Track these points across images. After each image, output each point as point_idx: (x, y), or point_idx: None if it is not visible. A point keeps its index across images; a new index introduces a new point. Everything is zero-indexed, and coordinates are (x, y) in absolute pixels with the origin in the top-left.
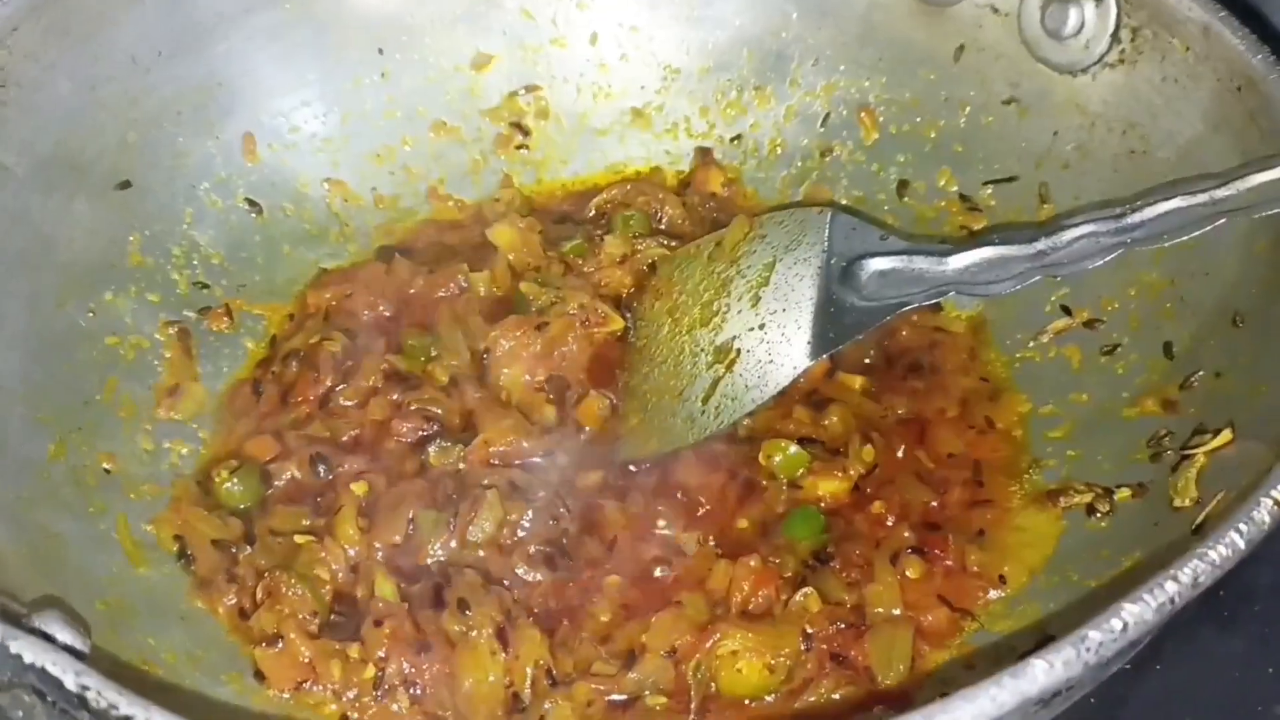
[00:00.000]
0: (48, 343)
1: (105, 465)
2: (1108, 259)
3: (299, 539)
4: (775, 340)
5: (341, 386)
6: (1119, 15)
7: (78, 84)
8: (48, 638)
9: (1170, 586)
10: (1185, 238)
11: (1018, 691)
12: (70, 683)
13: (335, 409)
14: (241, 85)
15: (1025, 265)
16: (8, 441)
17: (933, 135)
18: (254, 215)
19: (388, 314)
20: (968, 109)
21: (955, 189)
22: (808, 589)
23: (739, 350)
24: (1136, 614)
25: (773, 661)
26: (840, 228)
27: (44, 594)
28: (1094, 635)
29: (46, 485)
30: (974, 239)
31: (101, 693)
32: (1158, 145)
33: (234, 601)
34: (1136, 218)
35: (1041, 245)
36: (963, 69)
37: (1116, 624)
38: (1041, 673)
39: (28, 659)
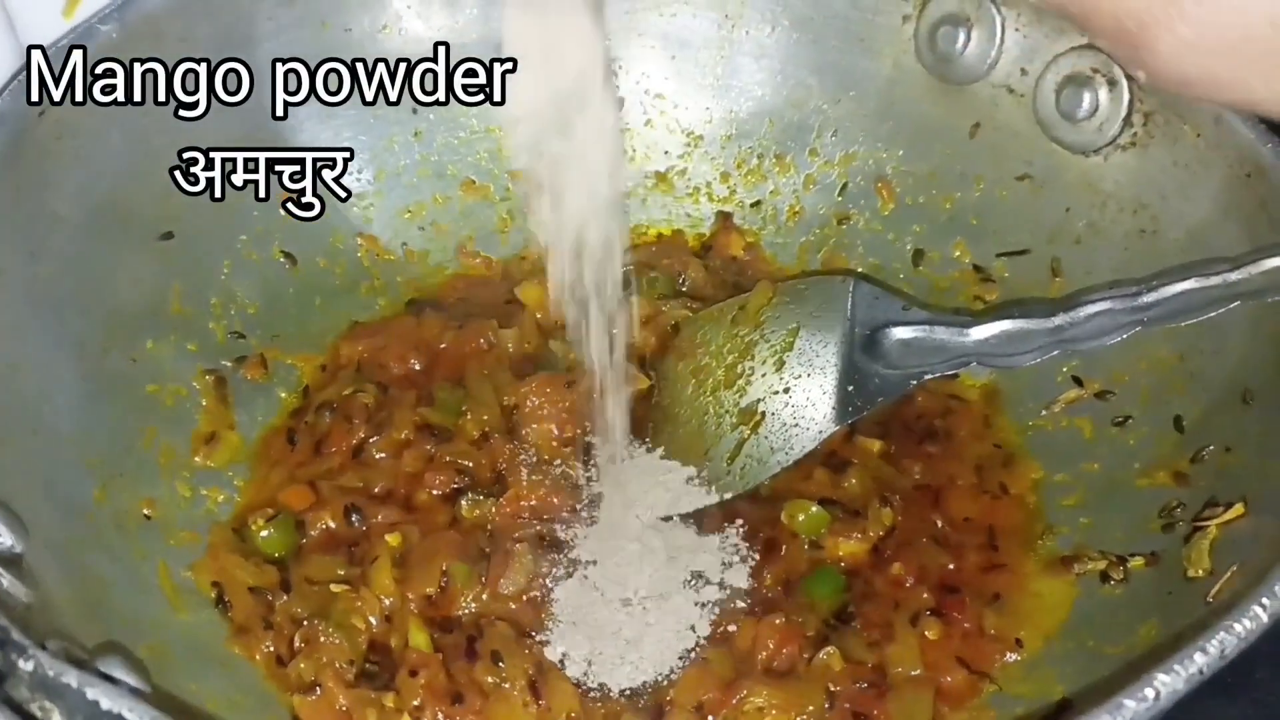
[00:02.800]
0: (93, 389)
1: (145, 511)
2: (1123, 336)
3: (334, 588)
4: (800, 404)
5: (374, 438)
6: (1132, 100)
7: (128, 136)
8: (115, 682)
9: (1199, 658)
10: (1196, 319)
11: None
12: None
13: (368, 460)
14: (281, 141)
15: (1044, 340)
16: (56, 485)
17: (948, 207)
18: (289, 267)
19: (418, 367)
20: (982, 183)
21: (969, 260)
22: (830, 648)
23: (764, 413)
24: (1168, 684)
25: (797, 718)
26: (863, 296)
27: (103, 639)
28: (1129, 704)
29: (92, 530)
30: (994, 312)
31: None
32: (1168, 226)
33: (271, 648)
34: (1152, 297)
35: (1059, 320)
36: (978, 145)
37: (1149, 693)
38: None
39: (105, 705)
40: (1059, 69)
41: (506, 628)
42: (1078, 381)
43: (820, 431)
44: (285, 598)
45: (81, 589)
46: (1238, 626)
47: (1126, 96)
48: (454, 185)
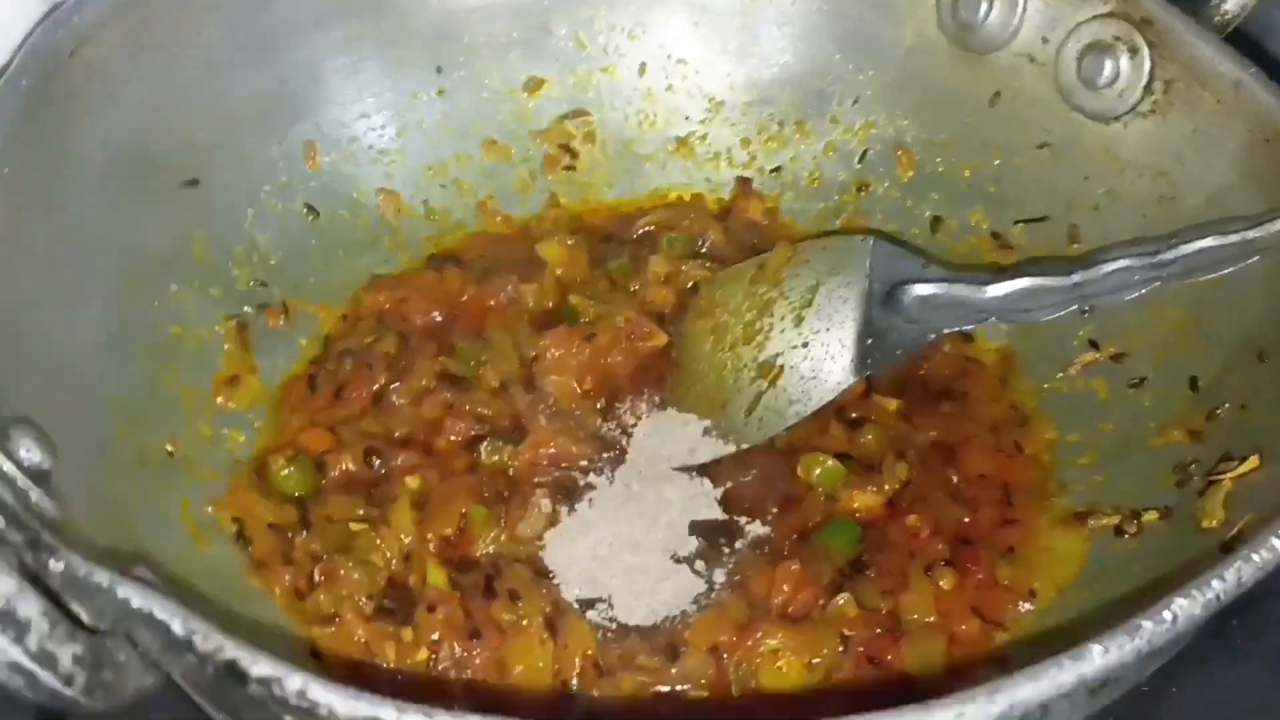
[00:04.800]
0: (117, 329)
1: (168, 448)
2: (1141, 292)
3: (354, 526)
4: (819, 358)
5: (395, 385)
6: (1152, 68)
7: (156, 84)
8: (150, 585)
9: (1216, 584)
10: (1214, 275)
11: (1076, 672)
12: (178, 627)
13: (388, 406)
14: (307, 95)
15: (1061, 296)
16: (80, 418)
17: (967, 175)
18: (312, 219)
19: (439, 319)
20: (1002, 151)
21: (987, 226)
22: (845, 595)
23: (782, 366)
24: (1185, 607)
25: (812, 661)
26: (883, 254)
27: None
28: (1147, 624)
29: (116, 463)
30: (1012, 269)
31: (208, 636)
32: (1186, 192)
33: (290, 582)
34: (1170, 254)
35: (1078, 278)
36: (998, 114)
37: (1167, 615)
38: (1098, 655)
39: (135, 604)
40: (1080, 37)
41: (524, 569)
42: (1094, 345)
43: (839, 383)
44: (304, 535)
45: (106, 518)
46: (1255, 556)
47: (1148, 64)
48: (476, 144)
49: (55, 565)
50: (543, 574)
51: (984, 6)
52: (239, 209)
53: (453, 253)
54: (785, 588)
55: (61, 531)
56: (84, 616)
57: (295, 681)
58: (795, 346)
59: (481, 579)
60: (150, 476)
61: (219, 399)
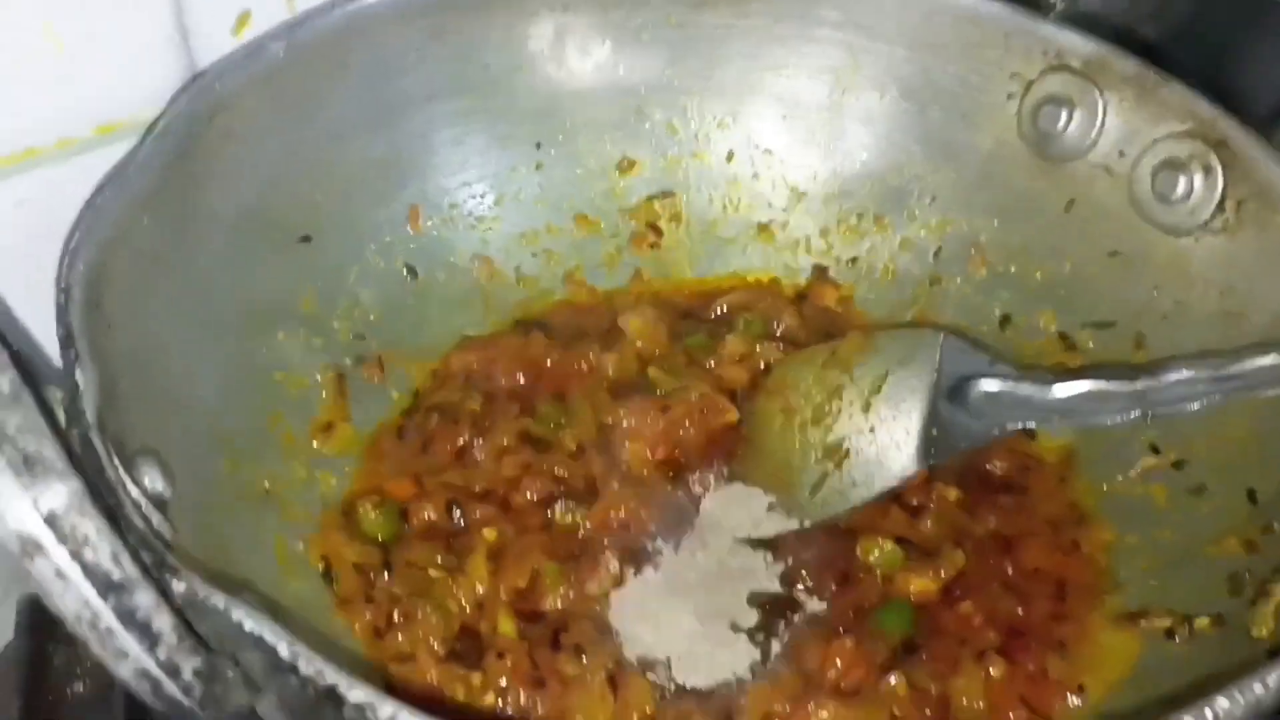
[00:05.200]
0: (230, 371)
1: (266, 484)
2: (1202, 403)
3: (433, 573)
4: (884, 445)
5: (478, 441)
6: (1225, 187)
7: (283, 148)
8: (258, 610)
9: (1258, 687)
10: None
11: None
12: (284, 651)
13: (470, 461)
14: (416, 162)
15: (1124, 401)
16: (194, 453)
17: (1038, 277)
18: (410, 279)
19: (522, 382)
20: (1073, 257)
21: (1055, 328)
22: (897, 674)
23: (848, 450)
24: (1227, 708)
25: None
26: (952, 348)
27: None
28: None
29: (221, 496)
30: (1077, 371)
31: (311, 661)
32: (1253, 310)
33: (370, 619)
34: (1234, 368)
35: (1141, 385)
36: (1072, 220)
37: (1209, 713)
38: None
39: (248, 627)
40: (1156, 153)
41: (590, 625)
42: (1155, 450)
43: (903, 470)
44: (386, 577)
45: (210, 548)
46: None
47: (1220, 183)
48: (568, 217)
49: (177, 585)
50: (606, 631)
51: (1064, 118)
52: (345, 266)
53: (539, 319)
54: (839, 663)
55: (180, 555)
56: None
57: (387, 710)
58: (862, 431)
59: (549, 632)
60: (249, 511)
61: (314, 443)
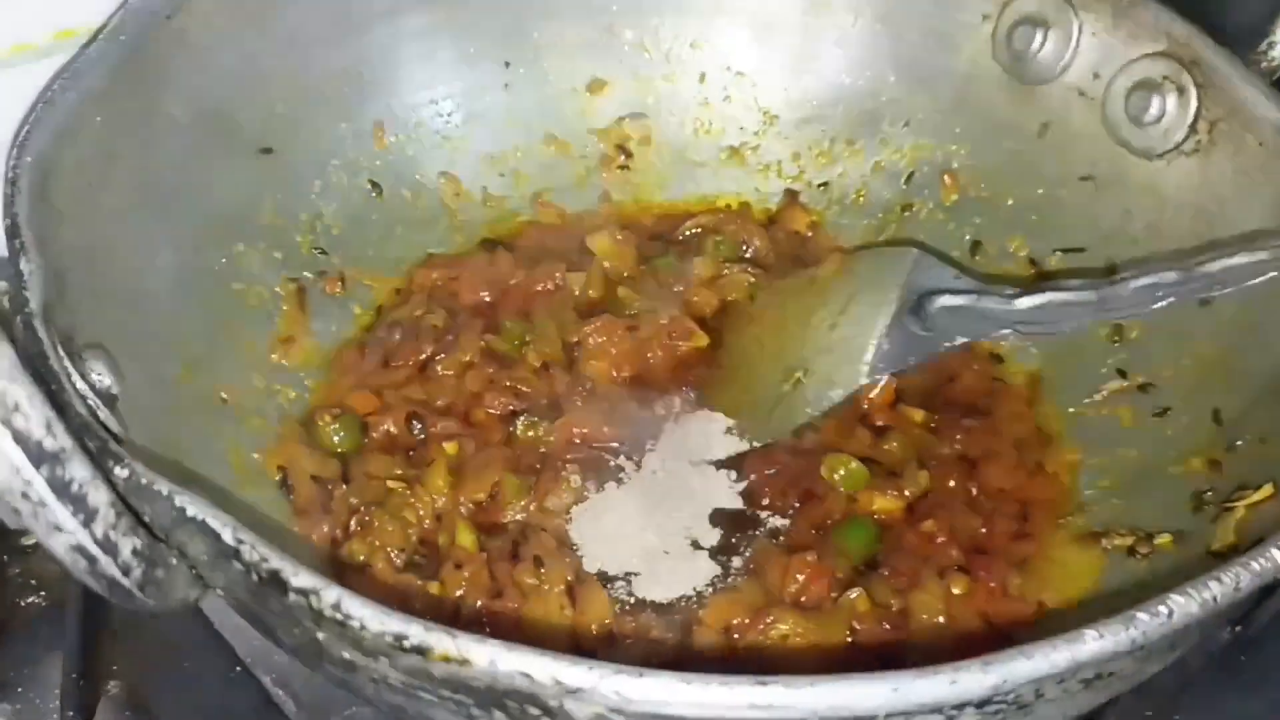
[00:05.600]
0: (186, 278)
1: (223, 395)
2: (1165, 303)
3: (391, 484)
4: (838, 362)
5: (441, 357)
6: (1199, 108)
7: (242, 54)
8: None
9: (1214, 585)
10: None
11: (1069, 654)
12: (228, 536)
13: (433, 376)
14: (380, 77)
15: (1086, 310)
16: (145, 356)
17: (1010, 202)
18: (375, 196)
19: (487, 299)
20: (1046, 181)
21: (1025, 254)
22: (858, 589)
23: (807, 370)
24: (1181, 604)
25: (818, 647)
26: (921, 265)
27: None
28: (1142, 616)
29: (173, 400)
30: (1039, 285)
31: (255, 547)
32: (1225, 231)
33: (327, 530)
34: (1198, 272)
35: (1104, 293)
36: (1045, 144)
37: (1163, 610)
38: (1091, 639)
39: (190, 512)
40: (1131, 74)
41: (549, 538)
42: (1122, 374)
43: (849, 384)
44: (344, 488)
45: (161, 449)
46: (1254, 564)
47: (1194, 104)
48: (537, 138)
49: (120, 471)
50: (567, 545)
51: (1038, 39)
52: (307, 180)
53: (506, 239)
54: (799, 577)
55: (125, 447)
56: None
57: (332, 594)
58: (821, 352)
59: (509, 544)
60: (204, 418)
61: (274, 355)
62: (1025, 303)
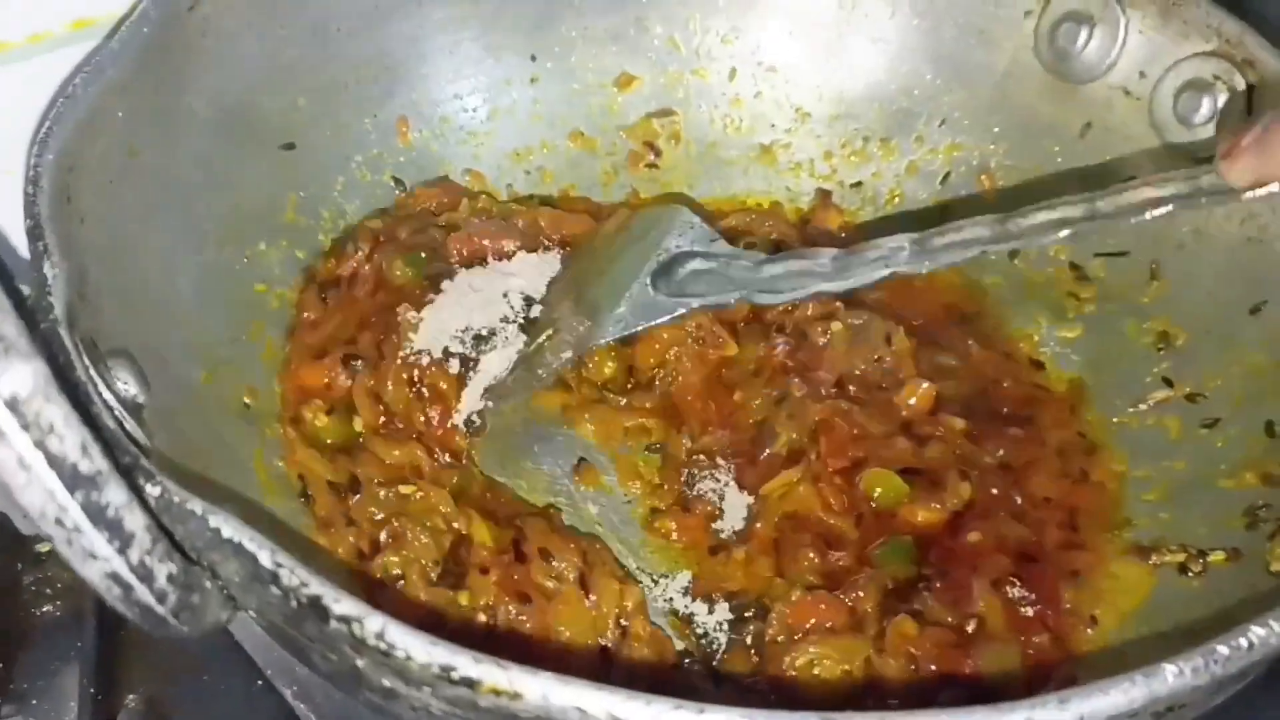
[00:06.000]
0: (207, 279)
1: (246, 400)
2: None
3: (403, 489)
4: (580, 324)
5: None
6: (1251, 110)
7: (265, 46)
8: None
9: None
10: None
11: (1148, 689)
12: (266, 559)
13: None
14: (405, 71)
15: (822, 280)
16: (170, 360)
17: None
18: (398, 193)
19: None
20: (1088, 184)
21: (1066, 257)
22: (902, 615)
23: (556, 329)
24: (1263, 637)
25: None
26: (679, 225)
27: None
28: (1222, 650)
29: (198, 406)
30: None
31: (294, 571)
32: (1275, 235)
33: (354, 542)
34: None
35: (839, 262)
36: (1087, 145)
37: (1243, 642)
38: (1171, 675)
39: (226, 534)
40: (1180, 74)
41: (542, 522)
42: (1168, 382)
43: (580, 348)
44: (357, 497)
45: (184, 458)
46: None
47: (1247, 105)
48: (563, 134)
49: (152, 490)
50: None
51: (1083, 36)
52: (330, 176)
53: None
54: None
55: (154, 461)
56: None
57: (375, 623)
58: (572, 313)
59: (509, 544)
60: (229, 425)
61: None
62: (771, 269)
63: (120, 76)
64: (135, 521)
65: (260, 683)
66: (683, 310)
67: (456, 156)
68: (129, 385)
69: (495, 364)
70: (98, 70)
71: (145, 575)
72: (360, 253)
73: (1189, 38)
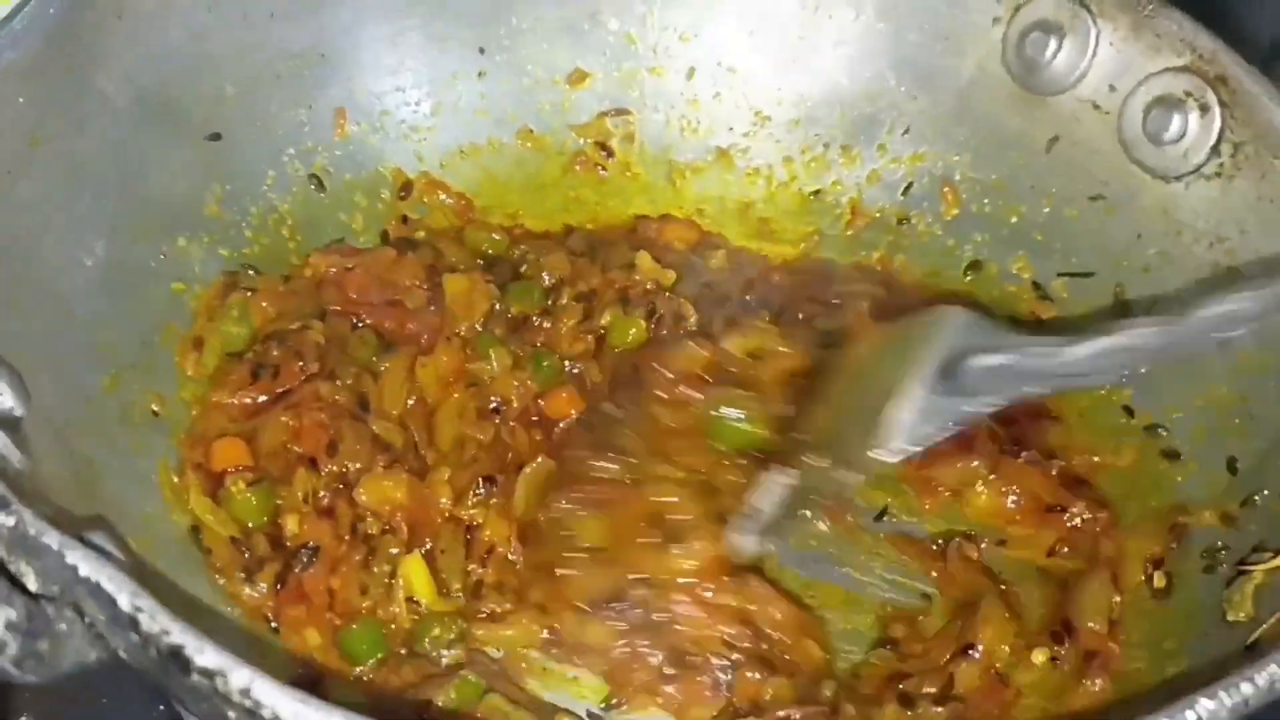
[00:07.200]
0: (118, 276)
1: (154, 407)
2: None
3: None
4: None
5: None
6: (1222, 128)
7: (189, 29)
8: (103, 554)
9: (1245, 688)
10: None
11: None
12: (124, 602)
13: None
14: (342, 60)
15: (1146, 356)
16: (63, 364)
17: (1013, 220)
18: (316, 190)
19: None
20: (1053, 199)
21: (1029, 276)
22: None
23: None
24: (1211, 709)
25: None
26: (957, 325)
27: (93, 514)
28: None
29: (96, 415)
30: (1097, 329)
31: (155, 616)
32: (1244, 261)
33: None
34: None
35: (1170, 333)
36: (1053, 159)
37: (1190, 715)
38: None
39: (83, 572)
40: (1150, 89)
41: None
42: (1129, 412)
43: (867, 468)
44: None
45: (75, 473)
46: None
47: (1218, 124)
48: (511, 132)
49: (5, 519)
50: None
51: (1052, 46)
52: (259, 170)
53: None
54: None
55: (22, 483)
56: (29, 580)
57: (241, 677)
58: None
59: None
60: (130, 435)
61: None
62: (1078, 352)
63: (22, 59)
64: None
65: (162, 708)
66: (979, 411)
67: (397, 152)
68: (4, 397)
69: None
70: None
71: None
72: (299, 366)
73: (1161, 52)
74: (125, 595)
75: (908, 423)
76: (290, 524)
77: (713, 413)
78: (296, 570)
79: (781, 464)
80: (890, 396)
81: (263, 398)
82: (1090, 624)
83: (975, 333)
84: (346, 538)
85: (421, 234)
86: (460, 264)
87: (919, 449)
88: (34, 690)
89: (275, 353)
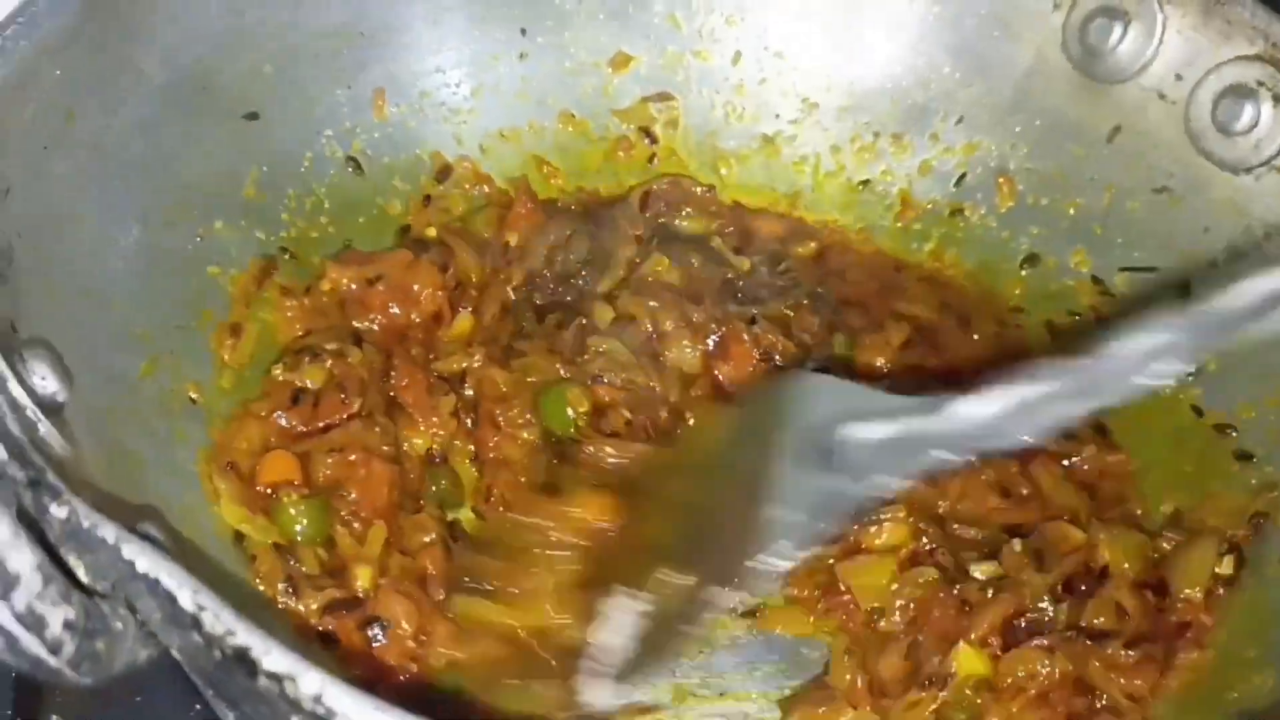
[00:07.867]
0: (153, 260)
1: (192, 394)
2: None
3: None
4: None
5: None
6: None
7: (227, 4)
8: (159, 547)
9: None
10: None
11: None
12: (186, 600)
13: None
14: (383, 39)
15: (1063, 407)
16: (100, 350)
17: (1071, 212)
18: (354, 174)
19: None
20: (1114, 191)
21: (1088, 270)
22: None
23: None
24: None
25: None
26: (810, 393)
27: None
28: None
29: (134, 403)
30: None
31: (219, 616)
32: None
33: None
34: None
35: (1083, 377)
36: (1115, 150)
37: None
38: None
39: (141, 567)
40: (1220, 78)
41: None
42: (1197, 411)
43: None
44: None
45: (115, 462)
46: None
47: None
48: (552, 115)
49: (57, 511)
50: None
51: (1117, 33)
52: (297, 151)
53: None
54: None
55: (68, 473)
56: (80, 573)
57: (311, 682)
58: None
59: None
60: (168, 423)
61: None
62: (968, 409)
63: (58, 32)
64: (21, 560)
65: (199, 707)
66: (882, 490)
67: (436, 135)
68: (47, 381)
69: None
70: (31, 23)
71: (34, 624)
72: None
73: (1231, 39)
74: (187, 592)
75: (789, 518)
76: (362, 577)
77: None
78: (368, 634)
79: (628, 588)
80: (759, 490)
81: (302, 426)
82: (1187, 590)
83: (837, 398)
84: None
85: (433, 231)
86: (473, 265)
87: (812, 549)
88: (66, 689)
89: (314, 373)
